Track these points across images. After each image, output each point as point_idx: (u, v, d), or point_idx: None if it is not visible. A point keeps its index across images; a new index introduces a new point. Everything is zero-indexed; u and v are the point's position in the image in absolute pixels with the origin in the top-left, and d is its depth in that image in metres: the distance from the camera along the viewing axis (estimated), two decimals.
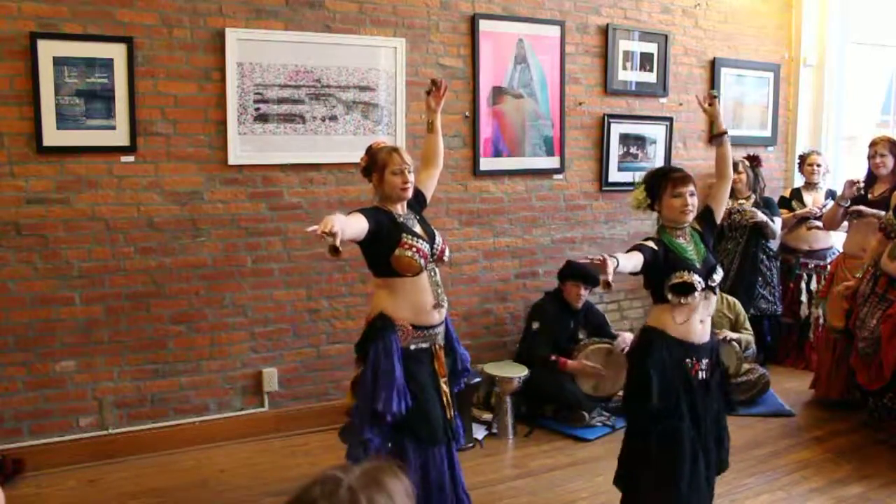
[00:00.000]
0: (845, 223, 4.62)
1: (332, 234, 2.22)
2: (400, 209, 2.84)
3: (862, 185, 4.42)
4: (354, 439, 2.75)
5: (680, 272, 2.71)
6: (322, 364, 4.11)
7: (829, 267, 4.82)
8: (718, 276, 2.82)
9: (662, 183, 2.80)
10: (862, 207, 4.28)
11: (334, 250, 2.24)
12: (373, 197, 2.90)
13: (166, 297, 3.75)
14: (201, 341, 3.84)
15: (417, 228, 2.83)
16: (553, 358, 4.17)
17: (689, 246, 2.81)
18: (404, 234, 2.74)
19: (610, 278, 2.40)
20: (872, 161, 4.34)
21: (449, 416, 2.85)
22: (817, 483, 3.50)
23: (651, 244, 2.74)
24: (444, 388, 2.87)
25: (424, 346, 2.82)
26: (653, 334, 2.77)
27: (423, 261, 2.74)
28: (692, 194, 2.78)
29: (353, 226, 2.56)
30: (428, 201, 3.05)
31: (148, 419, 3.77)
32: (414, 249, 2.72)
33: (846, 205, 4.38)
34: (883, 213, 4.12)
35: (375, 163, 2.81)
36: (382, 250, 2.72)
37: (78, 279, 3.58)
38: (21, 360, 3.50)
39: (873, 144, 4.34)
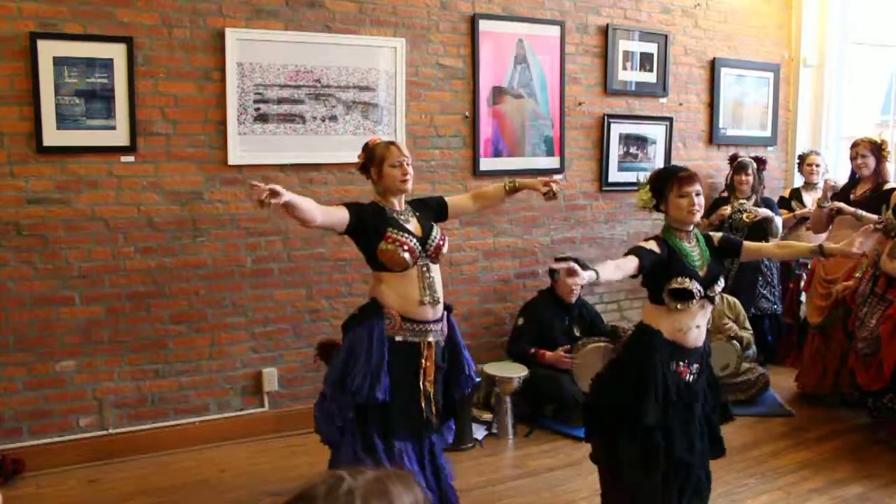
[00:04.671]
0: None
1: (275, 195, 2.36)
2: (397, 205, 2.85)
3: (835, 182, 4.46)
4: (321, 414, 2.83)
5: (681, 278, 2.65)
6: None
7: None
8: (719, 286, 2.77)
9: (669, 182, 2.74)
10: (842, 204, 4.31)
11: (261, 203, 2.36)
12: (373, 193, 2.90)
13: (166, 297, 3.75)
14: (201, 341, 3.85)
15: (410, 225, 2.84)
16: (532, 351, 4.23)
17: (693, 251, 2.75)
18: (390, 229, 2.75)
19: (576, 281, 2.31)
20: (855, 162, 4.38)
21: (426, 415, 2.83)
22: (817, 483, 3.50)
23: (653, 246, 2.68)
24: (428, 387, 2.84)
25: (412, 340, 2.81)
26: (650, 333, 2.72)
27: (408, 255, 2.74)
28: (698, 194, 2.72)
29: (330, 213, 2.67)
30: (447, 218, 3.07)
31: (148, 419, 3.77)
32: (398, 244, 2.73)
33: (827, 206, 4.40)
34: (864, 211, 4.17)
35: (373, 157, 2.83)
36: (369, 244, 2.76)
37: (78, 279, 3.58)
38: (21, 360, 3.51)
39: (855, 146, 4.38)
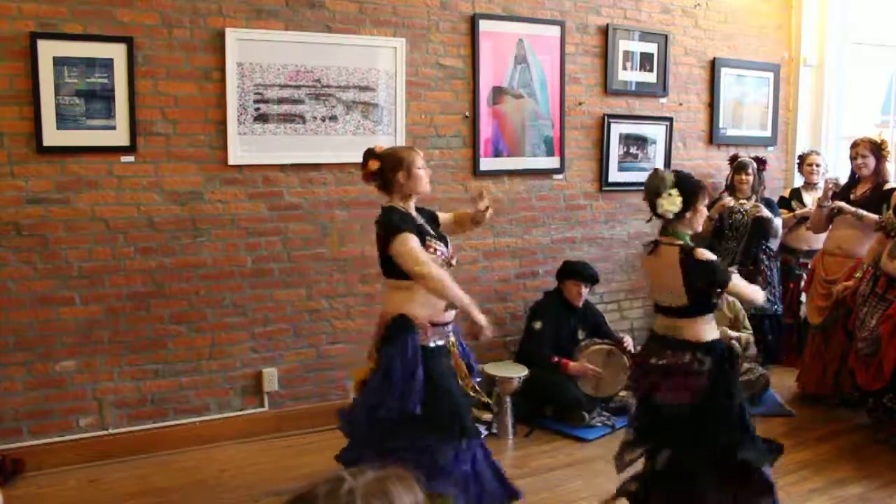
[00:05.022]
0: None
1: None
2: (412, 209, 2.86)
3: (836, 179, 4.47)
4: (345, 424, 2.88)
5: None
6: (322, 364, 4.11)
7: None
8: None
9: (700, 193, 2.83)
10: (842, 203, 4.31)
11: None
12: (391, 197, 2.87)
13: (166, 297, 3.75)
14: (201, 341, 3.84)
15: (433, 231, 2.88)
16: (556, 360, 4.17)
17: None
18: (428, 237, 2.77)
19: None
20: (854, 162, 4.38)
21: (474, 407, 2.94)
22: (817, 483, 3.50)
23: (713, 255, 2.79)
24: (469, 383, 2.92)
25: (441, 343, 2.85)
26: (717, 346, 2.81)
27: (442, 263, 2.78)
28: None
29: (431, 256, 2.70)
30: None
31: (148, 419, 3.77)
32: (437, 252, 2.77)
33: (827, 205, 4.40)
34: (864, 211, 4.18)
35: (399, 162, 2.81)
36: None
37: (78, 279, 3.58)
38: (21, 360, 3.50)
39: (854, 146, 4.38)
